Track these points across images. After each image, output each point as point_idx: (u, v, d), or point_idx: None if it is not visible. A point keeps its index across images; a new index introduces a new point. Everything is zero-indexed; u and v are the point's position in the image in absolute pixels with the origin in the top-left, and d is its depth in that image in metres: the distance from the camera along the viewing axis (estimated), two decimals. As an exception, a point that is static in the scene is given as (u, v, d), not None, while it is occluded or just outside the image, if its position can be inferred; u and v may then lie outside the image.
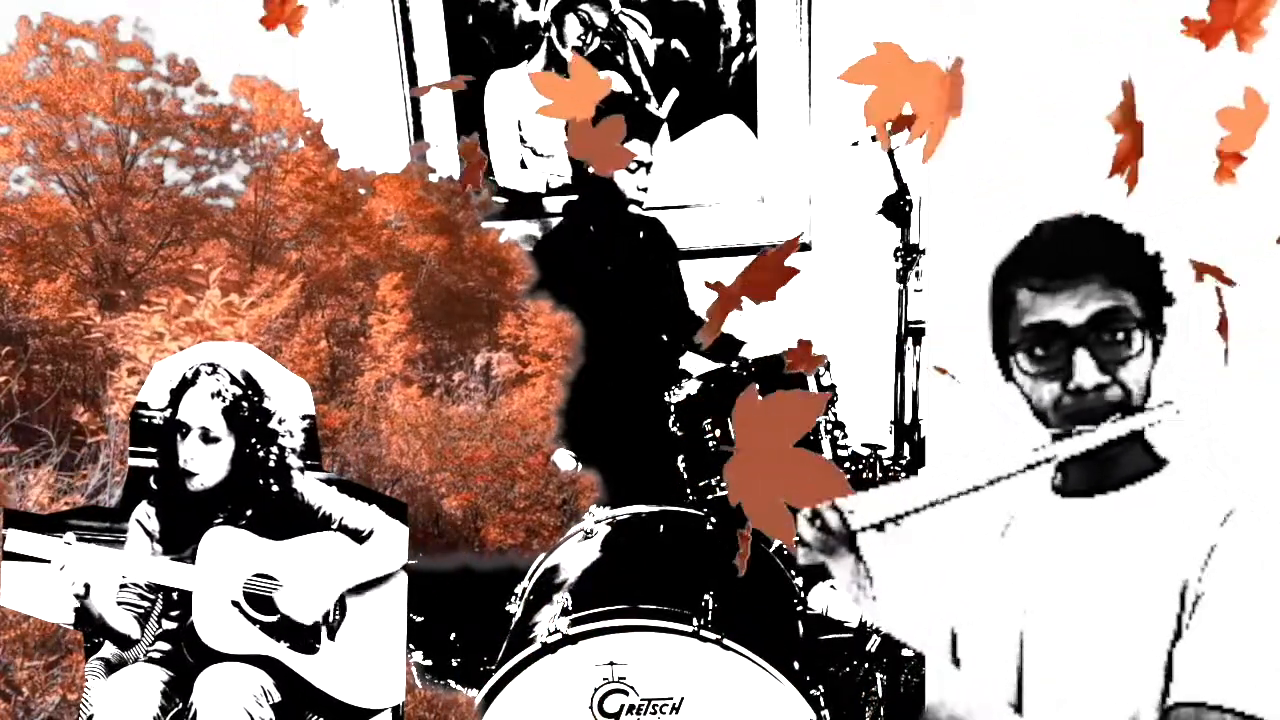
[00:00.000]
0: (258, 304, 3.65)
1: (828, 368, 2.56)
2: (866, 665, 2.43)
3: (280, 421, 1.89)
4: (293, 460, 1.89)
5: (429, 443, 3.73)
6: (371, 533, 1.90)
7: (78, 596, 1.79)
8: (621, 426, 2.85)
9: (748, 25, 3.58)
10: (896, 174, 2.77)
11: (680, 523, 2.34)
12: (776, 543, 2.51)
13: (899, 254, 2.76)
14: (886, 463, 2.59)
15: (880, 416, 2.85)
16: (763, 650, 1.93)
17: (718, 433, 2.46)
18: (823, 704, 1.95)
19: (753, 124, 3.66)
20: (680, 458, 2.52)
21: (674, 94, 3.65)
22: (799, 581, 2.40)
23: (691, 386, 2.53)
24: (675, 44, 3.62)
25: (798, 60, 3.58)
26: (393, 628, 1.93)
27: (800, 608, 2.33)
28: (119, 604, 1.84)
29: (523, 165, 3.78)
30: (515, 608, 2.28)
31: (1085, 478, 1.22)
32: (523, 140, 3.76)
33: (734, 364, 2.58)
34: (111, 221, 3.94)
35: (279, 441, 1.89)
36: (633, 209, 2.90)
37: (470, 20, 3.64)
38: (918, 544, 1.23)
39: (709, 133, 3.66)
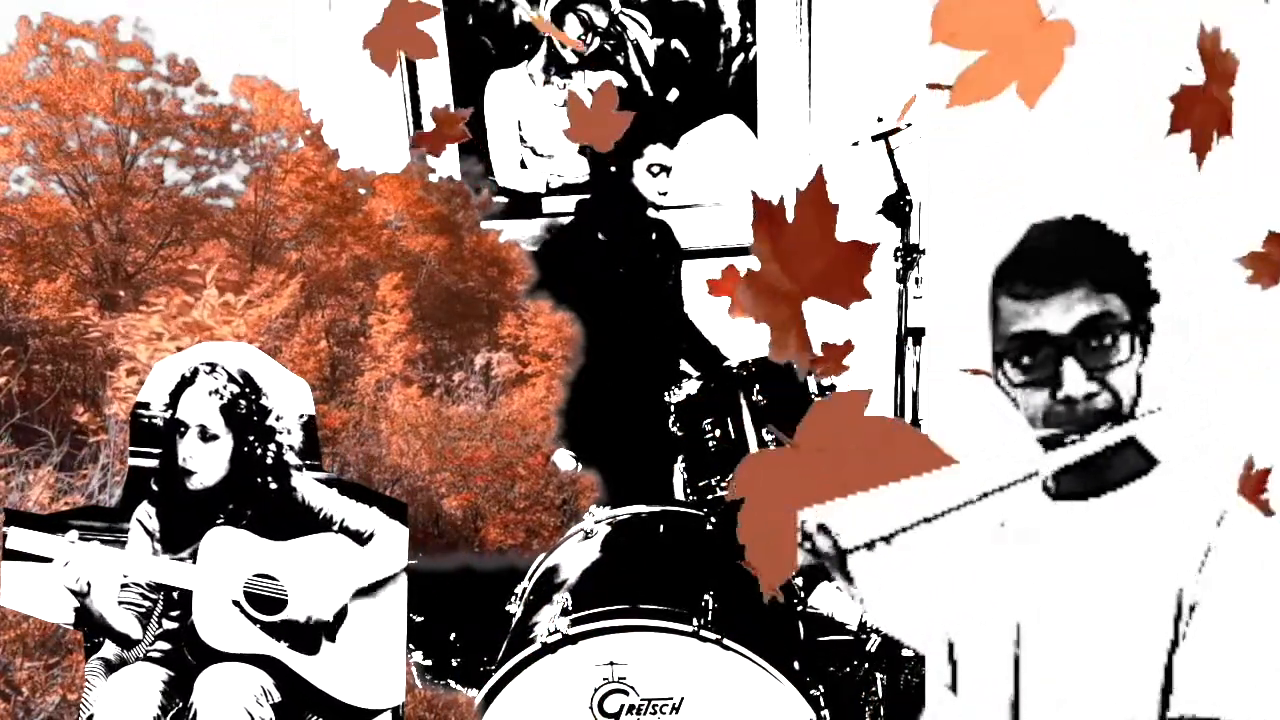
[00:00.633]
0: (258, 304, 3.65)
1: (828, 367, 2.56)
2: (866, 665, 2.43)
3: (278, 419, 1.89)
4: (291, 458, 1.89)
5: (429, 443, 3.73)
6: (372, 535, 1.90)
7: (79, 595, 1.79)
8: (621, 426, 2.85)
9: (748, 25, 3.58)
10: (896, 174, 2.77)
11: (680, 523, 2.34)
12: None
13: (899, 254, 2.76)
14: (886, 463, 2.59)
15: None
16: (763, 650, 1.93)
17: (718, 433, 2.46)
18: (823, 704, 1.95)
19: (753, 124, 3.66)
20: (680, 458, 2.52)
21: (674, 94, 3.65)
22: (799, 582, 2.40)
23: (691, 386, 2.53)
24: (675, 44, 3.62)
25: (798, 60, 3.58)
26: (393, 628, 1.93)
27: (800, 608, 2.33)
28: (120, 604, 1.84)
29: (523, 165, 3.78)
30: (515, 608, 2.28)
31: (1077, 481, 1.20)
32: (523, 140, 3.76)
33: (734, 364, 2.58)
34: (111, 221, 3.94)
35: (277, 439, 1.89)
36: (657, 200, 2.90)
37: (470, 20, 3.64)
38: (908, 552, 1.21)
39: (709, 133, 3.66)
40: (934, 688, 1.30)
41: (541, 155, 3.76)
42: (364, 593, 1.90)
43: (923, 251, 2.74)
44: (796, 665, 1.98)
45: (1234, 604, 1.09)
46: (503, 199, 3.79)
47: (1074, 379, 1.13)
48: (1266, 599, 1.09)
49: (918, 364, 2.80)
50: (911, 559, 1.22)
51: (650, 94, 3.64)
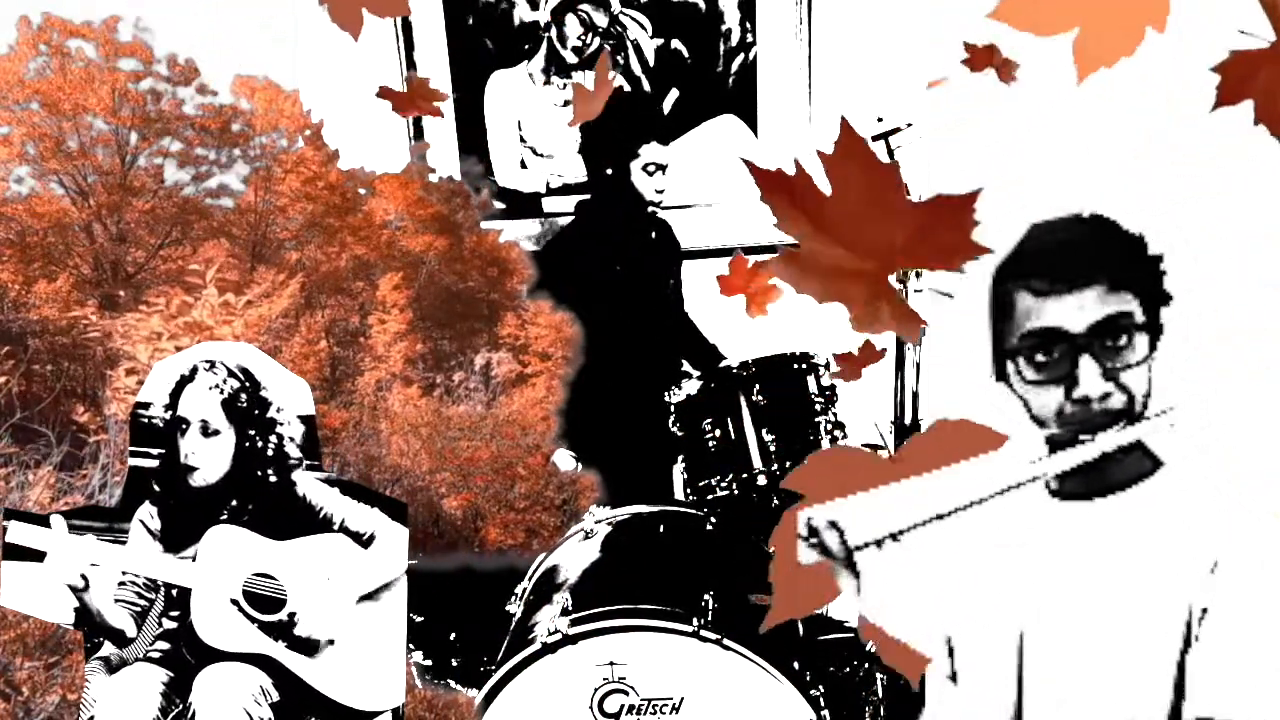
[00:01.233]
0: (257, 304, 3.65)
1: (827, 367, 2.56)
2: (866, 665, 2.43)
3: (279, 410, 1.89)
4: (292, 450, 1.89)
5: (429, 443, 3.73)
6: (373, 537, 1.90)
7: (76, 590, 1.79)
8: (621, 426, 2.85)
9: (748, 25, 3.58)
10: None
11: (680, 523, 2.34)
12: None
13: (899, 254, 2.75)
14: (886, 463, 2.59)
15: (880, 416, 2.85)
16: (763, 650, 1.93)
17: (718, 433, 2.46)
18: (823, 704, 1.95)
19: (753, 124, 3.66)
20: (680, 458, 2.52)
21: (674, 94, 3.65)
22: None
23: (691, 386, 2.53)
24: (675, 44, 3.62)
25: (798, 60, 3.59)
26: (393, 630, 1.92)
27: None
28: (116, 600, 1.84)
29: (523, 165, 3.78)
30: (515, 608, 2.27)
31: (1082, 481, 1.19)
32: (523, 140, 3.76)
33: (733, 364, 2.58)
34: (111, 221, 3.94)
35: (278, 430, 1.89)
36: (654, 198, 2.91)
37: (470, 20, 3.64)
38: (912, 552, 1.21)
39: (709, 133, 3.67)
40: (934, 688, 1.30)
41: (541, 155, 3.76)
42: (365, 598, 1.90)
43: (923, 251, 2.74)
44: (796, 665, 1.98)
45: (1246, 608, 1.08)
46: (501, 203, 3.79)
47: (1090, 378, 1.12)
48: (1278, 602, 1.09)
49: (918, 364, 2.80)
50: (918, 558, 1.21)
51: (650, 94, 3.64)
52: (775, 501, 2.43)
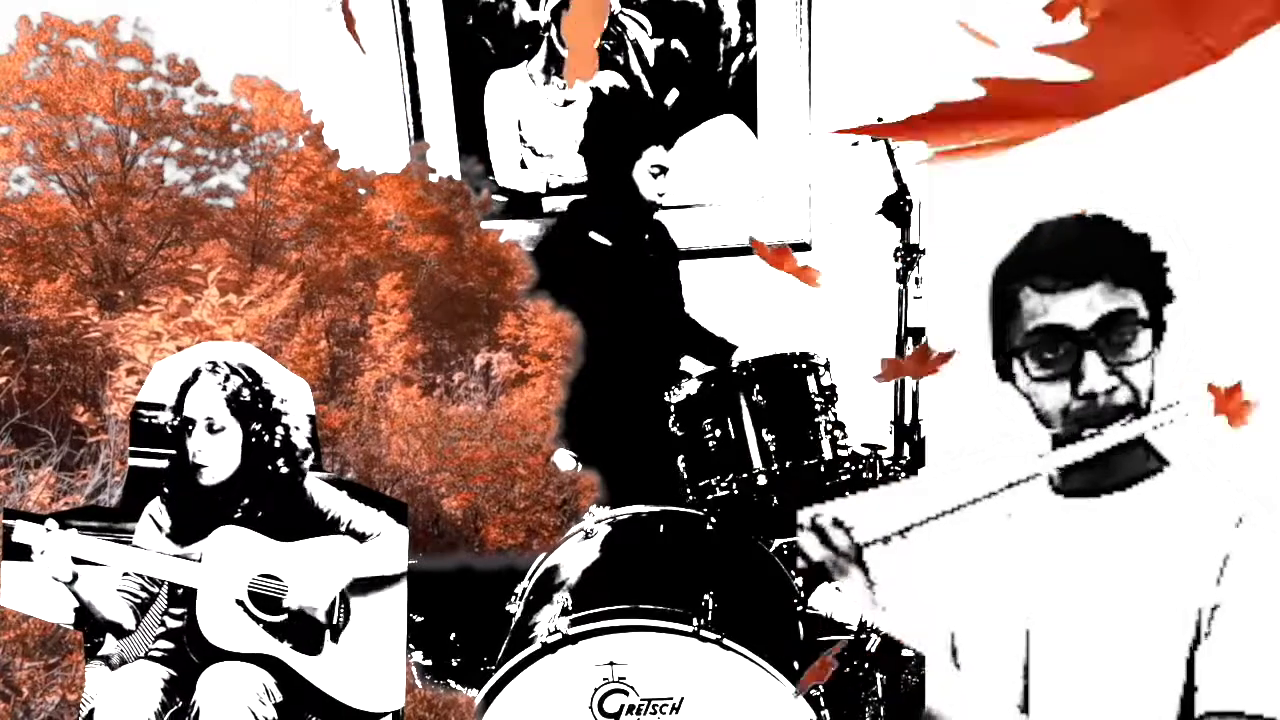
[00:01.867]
0: (257, 304, 3.65)
1: (827, 367, 2.56)
2: (866, 665, 2.43)
3: (283, 400, 1.90)
4: (299, 441, 1.90)
5: (429, 443, 3.73)
6: (376, 535, 1.90)
7: (66, 584, 1.79)
8: (621, 426, 2.85)
9: (748, 25, 3.58)
10: (896, 174, 2.77)
11: (680, 523, 2.34)
12: (776, 543, 2.52)
13: (899, 254, 2.76)
14: (886, 463, 2.59)
15: (880, 416, 2.85)
16: (763, 650, 1.93)
17: (718, 433, 2.46)
18: (823, 704, 1.95)
19: (753, 124, 3.66)
20: (680, 458, 2.52)
21: (674, 94, 3.65)
22: (799, 582, 2.40)
23: (691, 386, 2.53)
24: (675, 44, 3.62)
25: (798, 60, 3.58)
26: (395, 632, 1.93)
27: (800, 608, 2.33)
28: (118, 591, 1.84)
29: (523, 165, 3.78)
30: (515, 608, 2.28)
31: (1088, 479, 1.20)
32: (523, 140, 3.75)
33: (734, 364, 2.58)
34: (111, 221, 3.94)
35: (283, 421, 1.89)
36: (655, 200, 2.91)
37: (470, 20, 3.64)
38: (918, 547, 1.22)
39: (709, 133, 3.66)
40: (934, 688, 1.30)
41: (541, 155, 3.76)
42: (362, 587, 1.90)
43: (923, 251, 2.74)
44: (796, 665, 1.98)
45: (1257, 604, 1.09)
46: (502, 199, 3.79)
47: (1095, 373, 1.14)
48: None
49: (918, 364, 2.80)
50: (925, 554, 1.22)
51: (650, 94, 3.64)
52: (775, 501, 2.43)
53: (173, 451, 1.87)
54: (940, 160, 0.79)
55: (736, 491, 2.42)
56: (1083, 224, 1.18)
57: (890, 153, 2.77)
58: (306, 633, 1.87)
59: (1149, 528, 1.16)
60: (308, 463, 1.91)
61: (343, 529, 1.89)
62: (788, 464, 2.41)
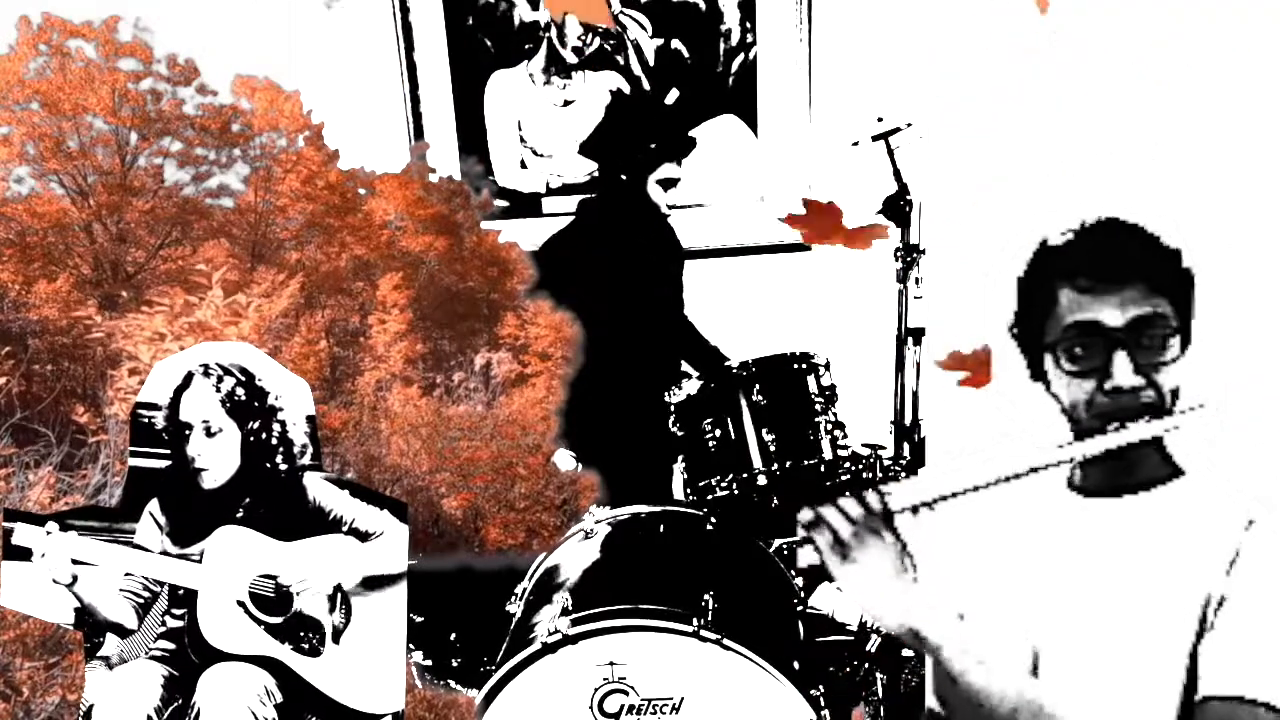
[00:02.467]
0: (257, 304, 3.65)
1: (827, 367, 2.56)
2: (866, 665, 2.43)
3: (278, 397, 1.90)
4: (297, 436, 1.90)
5: (429, 443, 3.73)
6: (380, 537, 1.90)
7: (64, 585, 1.79)
8: (621, 426, 2.85)
9: (748, 25, 3.58)
10: (896, 174, 2.77)
11: (680, 523, 2.34)
12: (776, 543, 2.52)
13: (899, 254, 2.76)
14: (886, 463, 2.59)
15: (880, 416, 2.85)
16: (763, 650, 1.93)
17: (718, 433, 2.46)
18: (823, 704, 1.95)
19: (753, 124, 3.66)
20: (680, 458, 2.52)
21: (674, 94, 3.65)
22: (799, 582, 2.40)
23: (691, 386, 2.53)
24: (675, 44, 3.62)
25: (798, 60, 3.59)
26: (395, 633, 1.93)
27: (800, 608, 2.33)
28: (120, 590, 1.84)
29: (523, 165, 3.78)
30: (515, 608, 2.27)
31: (1104, 479, 1.24)
32: (523, 140, 3.76)
33: (733, 364, 2.58)
34: (111, 221, 3.94)
35: (280, 418, 1.89)
36: (666, 211, 2.93)
37: (470, 20, 3.64)
38: (933, 540, 1.24)
39: (709, 133, 3.67)
40: (933, 688, 1.30)
41: (541, 155, 3.76)
42: (364, 586, 1.90)
43: (923, 251, 2.75)
44: (796, 665, 1.98)
45: (1263, 601, 1.11)
46: (504, 201, 3.79)
47: (1123, 370, 1.18)
48: None
49: (918, 364, 2.80)
50: (935, 545, 1.24)
51: (653, 98, 3.64)
52: (775, 501, 2.43)
53: (171, 455, 1.87)
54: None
55: (736, 491, 2.42)
56: (1120, 229, 1.22)
57: (890, 153, 2.77)
58: (307, 634, 1.87)
59: (1164, 529, 1.19)
60: (305, 459, 1.91)
61: (344, 528, 1.89)
62: (788, 464, 2.41)
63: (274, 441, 1.88)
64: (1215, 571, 1.14)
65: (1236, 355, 1.27)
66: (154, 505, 1.88)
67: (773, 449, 2.43)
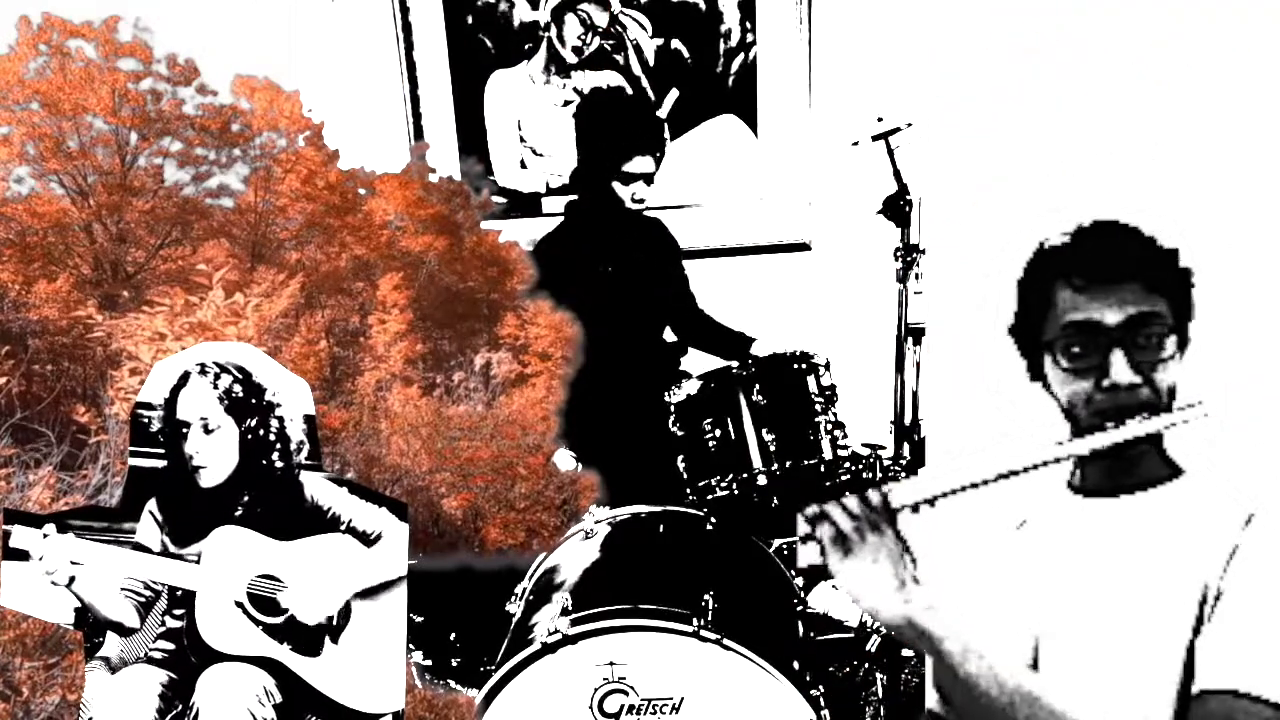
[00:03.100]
0: (258, 304, 3.65)
1: (827, 367, 2.56)
2: (866, 665, 2.43)
3: (274, 394, 1.90)
4: (294, 433, 1.90)
5: (429, 443, 3.73)
6: (380, 536, 1.90)
7: (65, 586, 1.79)
8: (621, 426, 2.85)
9: (748, 25, 3.58)
10: (896, 174, 2.77)
11: (680, 523, 2.34)
12: (776, 543, 2.52)
13: (899, 254, 2.76)
14: (886, 462, 2.59)
15: (880, 416, 2.85)
16: (763, 650, 1.94)
17: (718, 433, 2.46)
18: (823, 704, 1.95)
19: (753, 124, 3.66)
20: (680, 458, 2.52)
21: (674, 94, 3.65)
22: (799, 582, 2.40)
23: (691, 386, 2.53)
24: (675, 44, 3.62)
25: (798, 60, 3.58)
26: (395, 633, 1.93)
27: (800, 608, 2.33)
28: (122, 590, 1.84)
29: (523, 165, 3.78)
30: (515, 608, 2.28)
31: (1103, 479, 1.25)
32: (523, 140, 3.76)
33: (734, 364, 2.58)
34: (111, 221, 3.94)
35: (277, 413, 1.89)
36: (632, 206, 2.90)
37: (470, 20, 3.64)
38: (934, 538, 1.24)
39: (709, 133, 3.67)
40: (933, 687, 1.30)
41: (541, 155, 3.76)
42: (365, 594, 1.90)
43: (923, 251, 2.75)
44: (796, 665, 1.98)
45: (1260, 596, 1.11)
46: (502, 199, 3.79)
47: (1120, 368, 1.19)
48: None
49: (918, 364, 2.80)
50: (935, 544, 1.25)
51: (651, 95, 3.64)
52: (775, 501, 2.43)
53: (169, 454, 1.87)
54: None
55: (736, 491, 2.42)
56: (1117, 230, 1.23)
57: (890, 153, 2.77)
58: (306, 634, 1.87)
59: (1163, 528, 1.20)
60: (302, 455, 1.91)
61: (342, 527, 1.89)
62: (788, 464, 2.41)
63: (271, 438, 1.89)
64: (1213, 567, 1.15)
65: (1236, 355, 1.27)
66: (154, 505, 1.88)
67: (773, 449, 2.43)
